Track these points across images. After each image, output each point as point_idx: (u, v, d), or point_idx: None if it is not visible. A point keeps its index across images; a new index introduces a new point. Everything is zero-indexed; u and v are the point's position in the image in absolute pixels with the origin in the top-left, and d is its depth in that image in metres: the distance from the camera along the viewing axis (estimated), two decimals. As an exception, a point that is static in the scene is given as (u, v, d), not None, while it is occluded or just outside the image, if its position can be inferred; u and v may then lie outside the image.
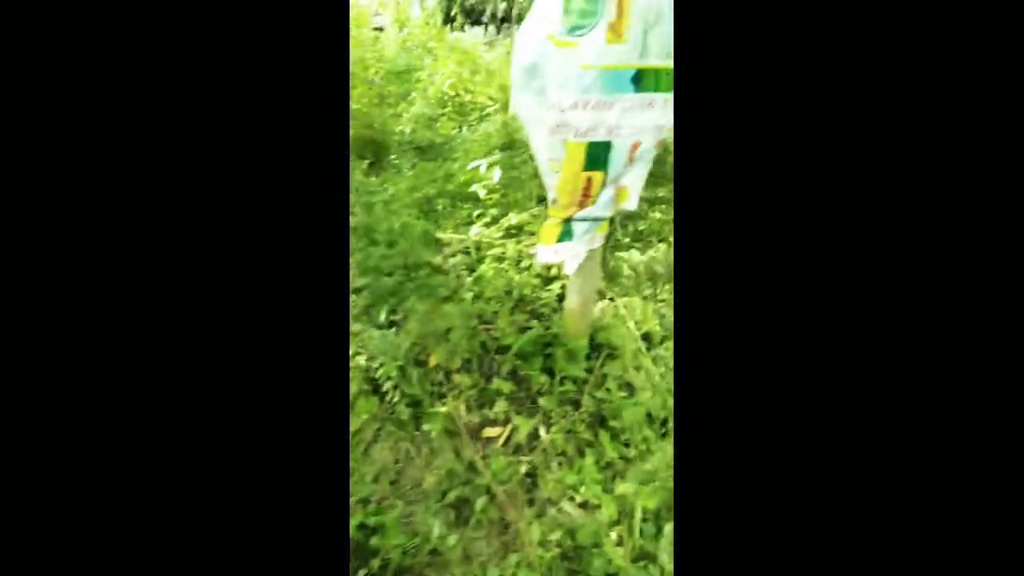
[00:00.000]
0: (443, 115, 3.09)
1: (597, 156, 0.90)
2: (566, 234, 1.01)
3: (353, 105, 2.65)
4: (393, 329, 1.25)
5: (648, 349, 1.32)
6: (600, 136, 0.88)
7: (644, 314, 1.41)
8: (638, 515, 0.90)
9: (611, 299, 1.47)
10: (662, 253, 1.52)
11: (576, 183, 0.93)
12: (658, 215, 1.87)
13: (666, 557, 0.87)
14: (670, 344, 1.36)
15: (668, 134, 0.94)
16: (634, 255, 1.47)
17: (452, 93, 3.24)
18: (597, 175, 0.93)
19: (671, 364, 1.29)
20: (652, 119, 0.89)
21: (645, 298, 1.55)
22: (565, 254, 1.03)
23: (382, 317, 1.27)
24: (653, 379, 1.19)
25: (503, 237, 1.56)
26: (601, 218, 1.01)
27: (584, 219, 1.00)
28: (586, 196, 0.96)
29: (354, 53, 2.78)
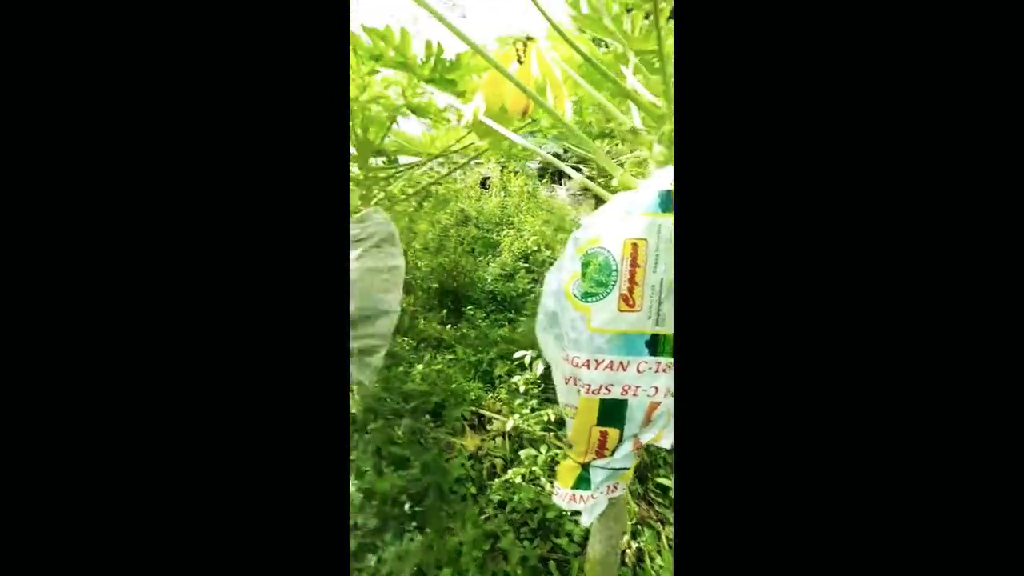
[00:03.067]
0: (524, 269, 3.30)
1: (611, 413, 0.83)
2: (583, 481, 0.91)
3: (442, 258, 2.96)
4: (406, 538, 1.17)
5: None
6: (615, 395, 0.82)
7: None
8: None
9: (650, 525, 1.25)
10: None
11: (590, 436, 0.86)
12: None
13: None
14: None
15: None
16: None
17: (534, 248, 3.49)
18: (612, 431, 0.85)
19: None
20: (669, 380, 0.82)
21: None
22: (582, 504, 0.92)
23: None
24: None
25: (542, 429, 1.47)
26: (622, 469, 0.90)
27: (602, 468, 0.90)
28: (602, 448, 0.87)
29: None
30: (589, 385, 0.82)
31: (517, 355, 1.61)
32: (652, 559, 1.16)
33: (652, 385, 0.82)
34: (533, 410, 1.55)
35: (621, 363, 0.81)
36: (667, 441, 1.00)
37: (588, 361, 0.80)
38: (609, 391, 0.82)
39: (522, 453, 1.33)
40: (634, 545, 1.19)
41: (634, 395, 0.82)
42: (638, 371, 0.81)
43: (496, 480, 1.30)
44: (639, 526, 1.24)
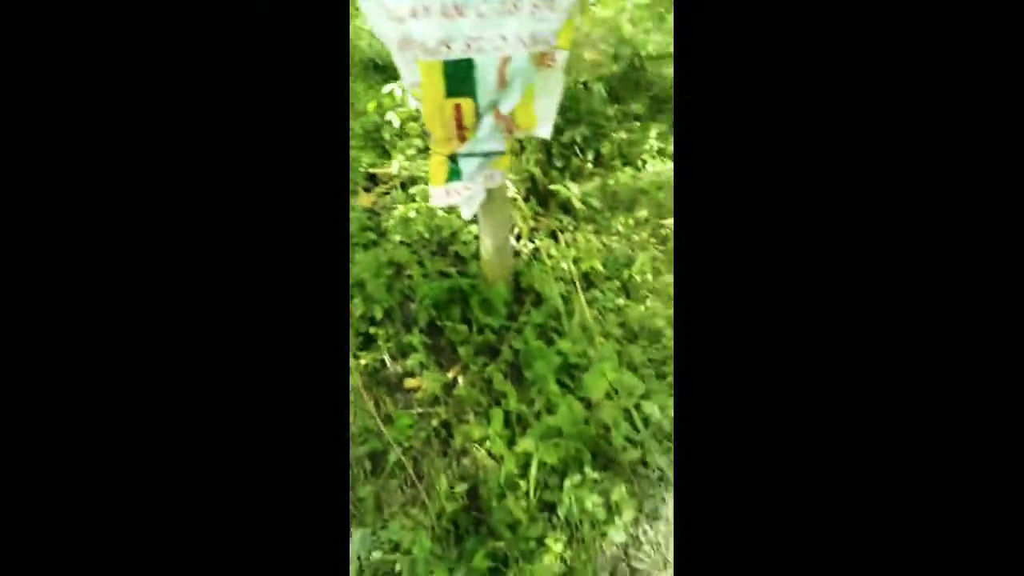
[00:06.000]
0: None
1: (458, 78, 0.73)
2: (453, 173, 0.88)
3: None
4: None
5: (586, 288, 1.22)
6: (456, 53, 0.71)
7: (587, 251, 1.29)
8: (533, 471, 0.88)
9: (553, 235, 1.34)
10: (595, 186, 1.33)
11: (442, 112, 0.78)
12: (624, 135, 1.64)
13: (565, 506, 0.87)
14: (613, 284, 1.25)
15: (551, 43, 0.74)
16: (572, 187, 1.30)
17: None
18: (465, 102, 0.77)
19: (613, 305, 1.20)
20: (519, 26, 0.70)
21: (596, 232, 1.41)
22: (457, 196, 0.90)
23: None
24: (581, 324, 1.10)
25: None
26: (493, 152, 0.86)
27: (471, 155, 0.85)
28: (460, 128, 0.80)
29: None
30: (424, 44, 0.69)
31: (386, 88, 1.41)
32: (550, 256, 1.27)
33: (496, 33, 0.70)
34: (419, 151, 1.45)
35: (455, 7, 0.66)
36: (544, 129, 0.94)
37: (414, 9, 0.66)
38: (450, 49, 0.70)
39: (414, 190, 1.29)
40: (530, 245, 1.28)
41: (479, 51, 0.71)
42: (477, 16, 0.68)
43: (392, 220, 1.28)
44: (535, 231, 1.32)
